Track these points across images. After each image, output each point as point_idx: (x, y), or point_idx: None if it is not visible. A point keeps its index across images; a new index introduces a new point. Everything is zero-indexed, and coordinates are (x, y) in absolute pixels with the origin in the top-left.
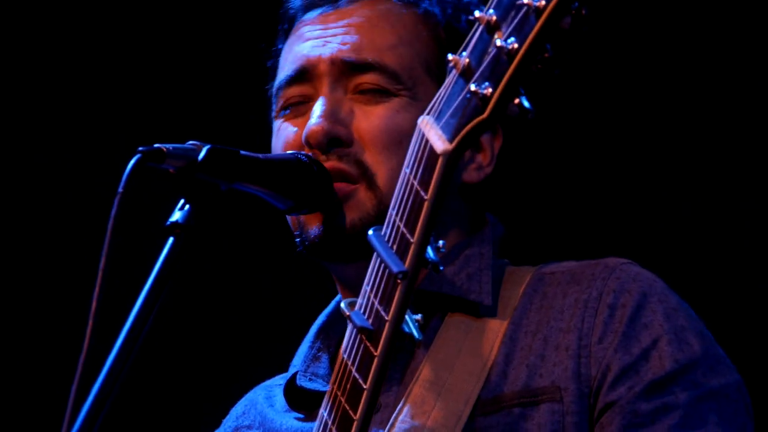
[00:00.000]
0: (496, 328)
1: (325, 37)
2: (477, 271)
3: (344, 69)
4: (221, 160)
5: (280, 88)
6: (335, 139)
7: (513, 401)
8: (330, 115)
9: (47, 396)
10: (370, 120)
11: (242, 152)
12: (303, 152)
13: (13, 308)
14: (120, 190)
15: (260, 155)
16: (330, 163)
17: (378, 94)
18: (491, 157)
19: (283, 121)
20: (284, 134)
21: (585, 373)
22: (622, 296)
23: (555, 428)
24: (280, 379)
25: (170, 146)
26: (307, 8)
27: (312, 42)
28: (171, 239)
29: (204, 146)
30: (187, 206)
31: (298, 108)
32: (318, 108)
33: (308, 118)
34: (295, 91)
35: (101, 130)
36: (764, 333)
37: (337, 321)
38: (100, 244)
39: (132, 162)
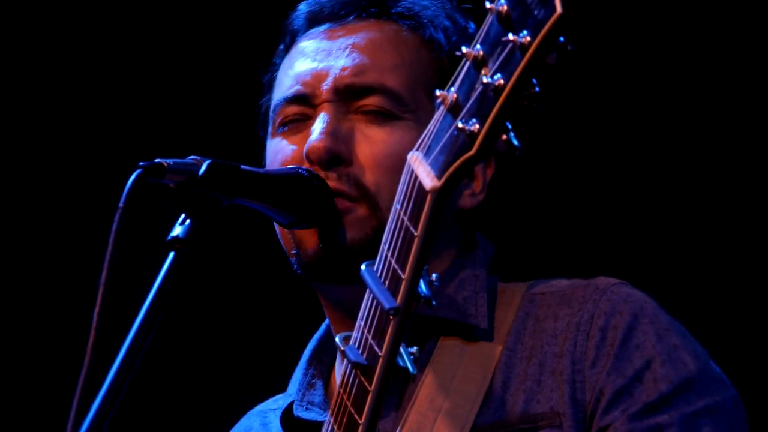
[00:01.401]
0: (490, 353)
1: (327, 59)
2: (473, 294)
3: (346, 93)
4: (222, 175)
5: (278, 106)
6: (336, 156)
7: (513, 427)
8: (332, 132)
9: (48, 412)
10: (372, 143)
11: (243, 167)
12: (304, 167)
13: (14, 322)
14: (120, 205)
15: (261, 170)
16: (329, 183)
17: (380, 116)
18: (483, 185)
19: (281, 139)
20: (282, 151)
21: (580, 398)
22: (614, 318)
23: None
24: (273, 403)
25: (171, 161)
26: (311, 23)
27: (314, 63)
28: (172, 254)
29: (204, 161)
30: (187, 221)
31: (297, 125)
32: (319, 124)
33: (308, 135)
34: (295, 110)
35: (102, 145)
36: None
37: (328, 345)
38: (101, 259)
39: (132, 177)
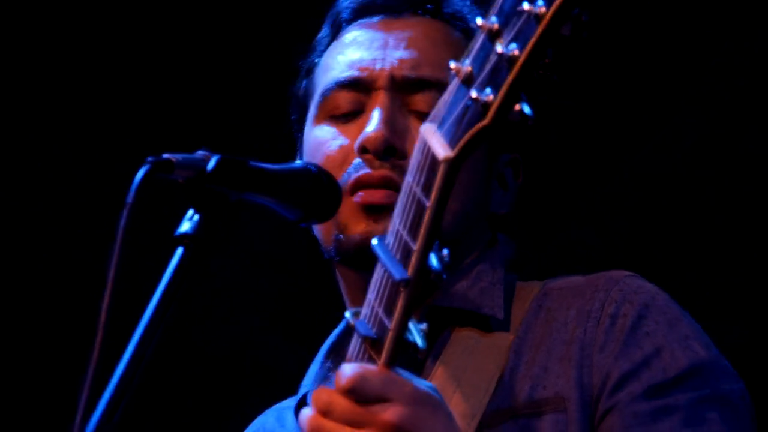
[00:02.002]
0: (503, 344)
1: (384, 49)
2: (489, 286)
3: (402, 85)
4: (230, 171)
5: (329, 90)
6: (392, 148)
7: (517, 412)
8: (390, 124)
9: (56, 408)
10: None
11: (251, 162)
12: (313, 163)
13: (20, 319)
14: (129, 200)
15: (269, 165)
16: (382, 171)
17: None
18: (514, 195)
19: (330, 128)
20: (331, 142)
21: (587, 382)
22: (624, 306)
23: None
24: (291, 401)
25: (179, 156)
26: (362, 12)
27: (370, 51)
28: (180, 250)
29: (213, 156)
30: (196, 217)
31: (348, 117)
32: (377, 116)
33: (360, 127)
34: (347, 96)
35: (110, 141)
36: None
37: (348, 340)
38: (108, 255)
39: (141, 172)
